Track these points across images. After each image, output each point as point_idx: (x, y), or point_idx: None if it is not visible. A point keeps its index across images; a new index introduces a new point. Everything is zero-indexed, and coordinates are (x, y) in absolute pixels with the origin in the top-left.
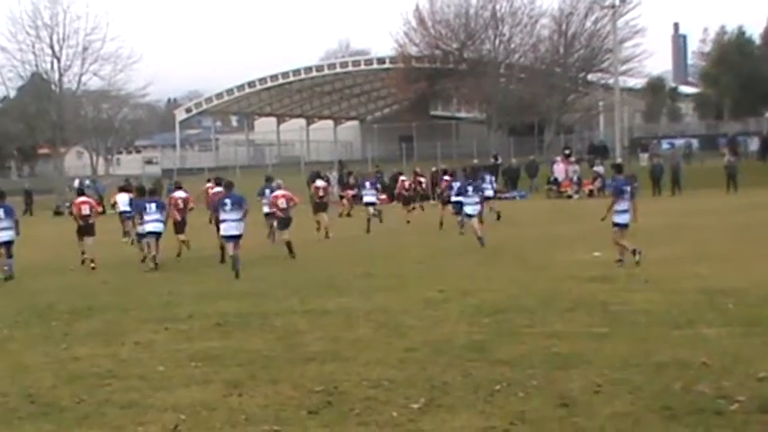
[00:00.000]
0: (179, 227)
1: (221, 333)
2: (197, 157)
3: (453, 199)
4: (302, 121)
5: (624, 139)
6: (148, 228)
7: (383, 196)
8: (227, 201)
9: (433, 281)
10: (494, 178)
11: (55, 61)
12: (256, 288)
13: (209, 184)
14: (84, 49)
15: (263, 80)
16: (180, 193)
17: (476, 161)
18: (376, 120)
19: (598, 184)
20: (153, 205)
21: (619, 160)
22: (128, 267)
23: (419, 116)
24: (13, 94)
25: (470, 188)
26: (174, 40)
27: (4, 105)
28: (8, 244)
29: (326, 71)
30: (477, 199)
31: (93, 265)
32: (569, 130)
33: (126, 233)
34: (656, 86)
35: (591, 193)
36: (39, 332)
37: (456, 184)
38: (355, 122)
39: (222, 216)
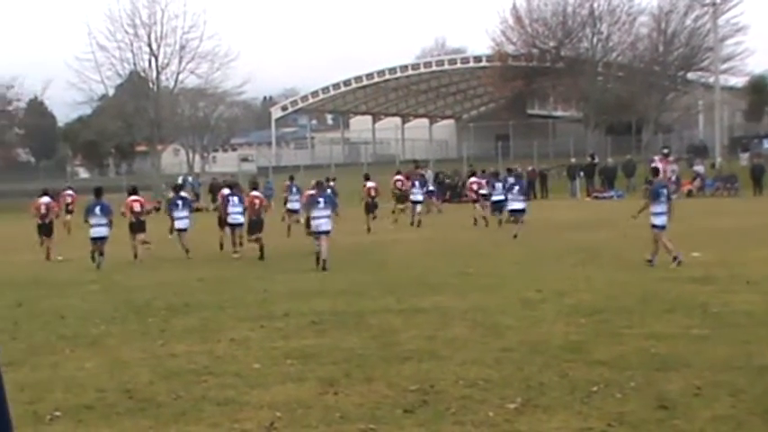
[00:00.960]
0: (253, 227)
1: (316, 331)
2: (292, 154)
3: (494, 198)
4: (397, 120)
5: (724, 139)
6: (230, 220)
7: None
8: (320, 199)
9: (530, 281)
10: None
11: (153, 59)
12: (351, 286)
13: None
14: (182, 47)
15: (358, 78)
16: (255, 193)
17: (573, 160)
18: (472, 118)
19: (697, 183)
20: (236, 199)
21: (719, 159)
22: (223, 264)
23: (515, 115)
24: (111, 92)
25: (516, 187)
26: (271, 38)
27: (103, 103)
28: (102, 240)
29: (422, 69)
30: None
31: (143, 253)
32: (668, 130)
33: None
34: (757, 85)
35: (690, 193)
36: (136, 328)
37: (498, 185)
38: (451, 121)
39: (314, 213)
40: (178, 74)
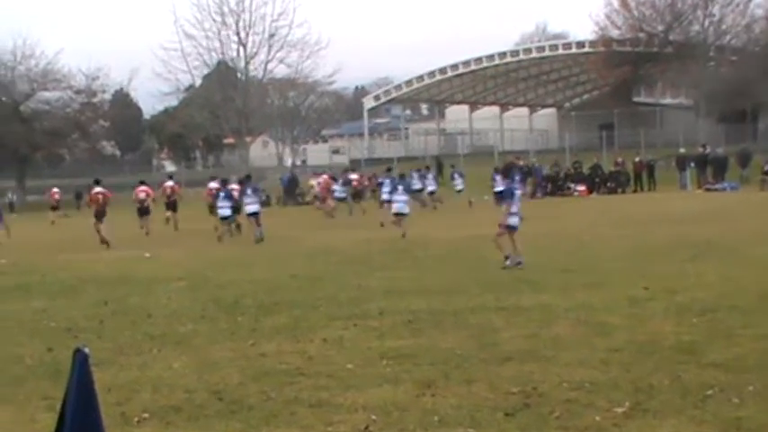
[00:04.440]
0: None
1: (413, 330)
2: (386, 146)
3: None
4: (495, 109)
5: None
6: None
7: (582, 188)
8: (400, 187)
9: (638, 277)
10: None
11: (241, 48)
12: (449, 284)
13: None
14: (271, 35)
15: (454, 66)
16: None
17: (682, 150)
18: (574, 107)
19: None
20: (249, 190)
21: None
22: (317, 261)
23: (621, 103)
24: (198, 82)
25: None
26: (363, 25)
27: (190, 94)
28: (255, 215)
29: (522, 56)
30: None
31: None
32: None
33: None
34: None
35: None
36: (225, 327)
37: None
38: (552, 110)
39: (394, 197)
40: (267, 63)
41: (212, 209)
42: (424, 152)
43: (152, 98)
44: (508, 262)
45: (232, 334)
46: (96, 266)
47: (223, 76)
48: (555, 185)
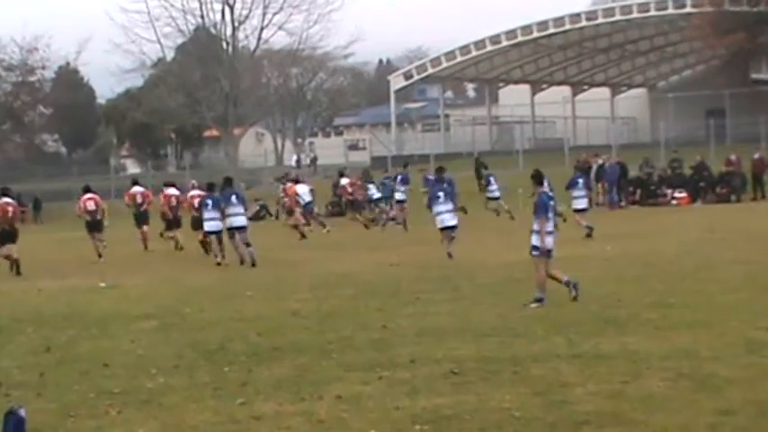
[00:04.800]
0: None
1: (455, 385)
2: (420, 140)
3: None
4: (565, 90)
5: None
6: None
7: (682, 194)
8: (440, 193)
9: (757, 315)
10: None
11: (227, 10)
12: (504, 322)
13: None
14: None
15: (511, 34)
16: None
17: None
18: (671, 86)
19: None
20: (234, 197)
21: None
22: (326, 292)
23: (734, 81)
24: (170, 55)
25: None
26: None
27: (158, 71)
28: (242, 229)
29: (601, 20)
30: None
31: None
32: None
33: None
34: None
35: None
36: (207, 381)
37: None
38: (641, 90)
39: (436, 208)
40: (261, 29)
41: (197, 223)
42: (470, 147)
43: (108, 77)
44: (574, 292)
45: (216, 390)
46: (35, 300)
47: (203, 48)
48: (645, 191)
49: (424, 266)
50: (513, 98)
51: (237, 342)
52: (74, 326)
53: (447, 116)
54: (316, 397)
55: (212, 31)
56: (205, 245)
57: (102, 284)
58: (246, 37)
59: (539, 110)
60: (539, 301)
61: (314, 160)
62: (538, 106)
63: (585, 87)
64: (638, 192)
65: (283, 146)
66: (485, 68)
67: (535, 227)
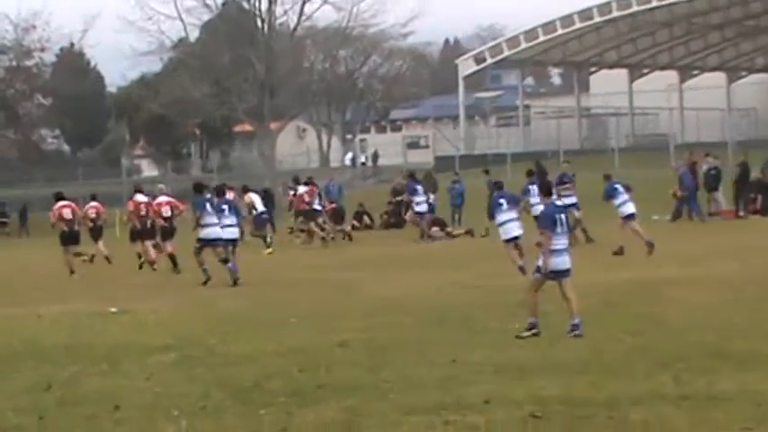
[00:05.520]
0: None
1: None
2: (494, 136)
3: None
4: (671, 76)
5: None
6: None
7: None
8: (503, 200)
9: None
10: None
11: None
12: (596, 356)
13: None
14: None
15: (605, 7)
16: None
17: None
18: None
19: None
20: (225, 206)
21: None
22: (381, 318)
23: None
24: (194, 35)
25: None
26: None
27: (179, 54)
28: (233, 242)
29: None
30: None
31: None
32: None
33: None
34: None
35: None
36: (238, 425)
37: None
38: (763, 76)
39: (500, 217)
40: (303, 3)
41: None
42: (555, 145)
43: (120, 61)
44: (574, 332)
45: None
46: (34, 328)
47: (233, 25)
48: None
49: (499, 288)
50: (608, 86)
51: (275, 379)
52: (79, 359)
53: (527, 108)
54: None
55: (244, 5)
56: (173, 258)
57: (113, 309)
58: (285, 12)
59: (638, 100)
60: (532, 327)
61: (375, 158)
62: (637, 95)
63: (695, 72)
64: (759, 198)
65: (329, 143)
66: (573, 50)
67: (544, 243)
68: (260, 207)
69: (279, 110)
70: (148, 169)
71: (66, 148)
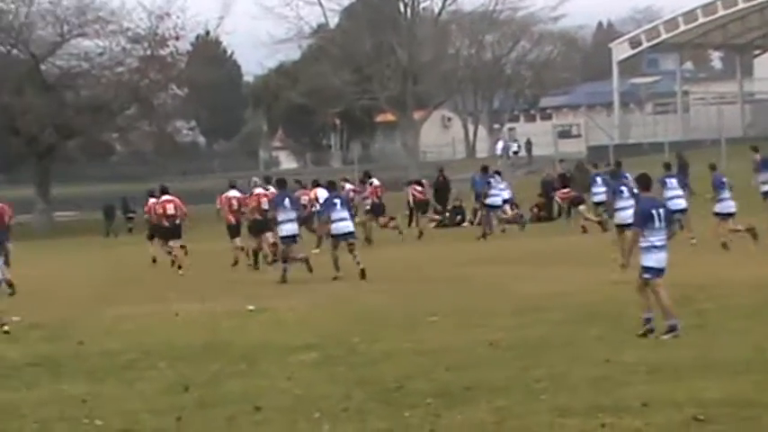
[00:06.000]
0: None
1: None
2: (650, 124)
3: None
4: None
5: None
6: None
7: None
8: (623, 188)
9: None
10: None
11: None
12: (761, 354)
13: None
14: None
15: None
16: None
17: None
18: None
19: None
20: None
21: None
22: (531, 316)
23: None
24: (334, 21)
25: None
26: None
27: (319, 41)
28: (292, 238)
29: None
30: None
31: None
32: None
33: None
34: None
35: None
36: (382, 428)
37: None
38: None
39: (619, 203)
40: None
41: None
42: (716, 132)
43: (257, 49)
44: (648, 326)
45: None
46: (168, 328)
47: (375, 11)
48: None
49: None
50: None
51: (420, 380)
52: (217, 359)
53: (686, 94)
54: None
55: None
56: (275, 254)
57: (251, 307)
58: None
59: None
60: (672, 329)
61: (529, 147)
62: None
63: None
64: None
65: (475, 133)
66: (735, 32)
67: (632, 239)
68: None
69: (422, 99)
70: (287, 161)
71: (201, 139)
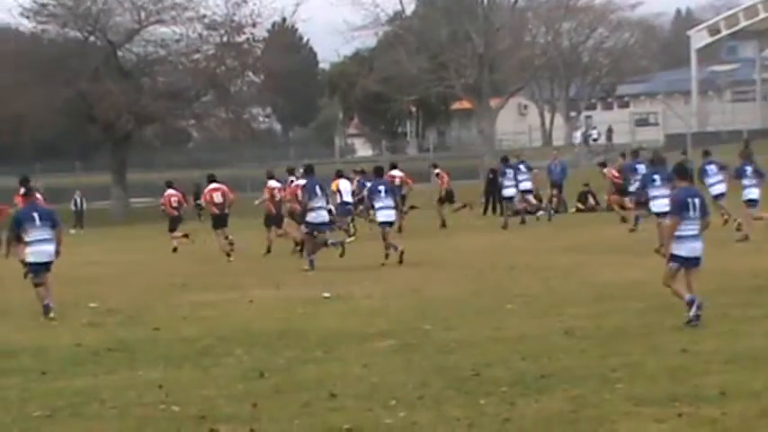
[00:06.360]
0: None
1: None
2: (729, 112)
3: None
4: None
5: None
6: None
7: None
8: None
9: None
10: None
11: None
12: None
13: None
14: None
15: None
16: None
17: None
18: None
19: None
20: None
21: None
22: (610, 304)
23: None
24: (410, 8)
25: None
26: None
27: (395, 28)
28: (324, 225)
29: None
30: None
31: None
32: None
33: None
34: None
35: None
36: (458, 416)
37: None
38: None
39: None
40: None
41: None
42: None
43: (333, 36)
44: (691, 313)
45: (470, 427)
46: (244, 314)
47: None
48: None
49: (731, 273)
50: None
51: (496, 368)
52: (292, 346)
53: (765, 81)
54: None
55: None
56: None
57: (326, 294)
58: None
59: None
60: (697, 317)
61: (609, 135)
62: None
63: None
64: None
65: (552, 121)
66: None
67: (671, 227)
68: (346, 196)
69: (498, 86)
70: (363, 149)
71: (277, 126)
